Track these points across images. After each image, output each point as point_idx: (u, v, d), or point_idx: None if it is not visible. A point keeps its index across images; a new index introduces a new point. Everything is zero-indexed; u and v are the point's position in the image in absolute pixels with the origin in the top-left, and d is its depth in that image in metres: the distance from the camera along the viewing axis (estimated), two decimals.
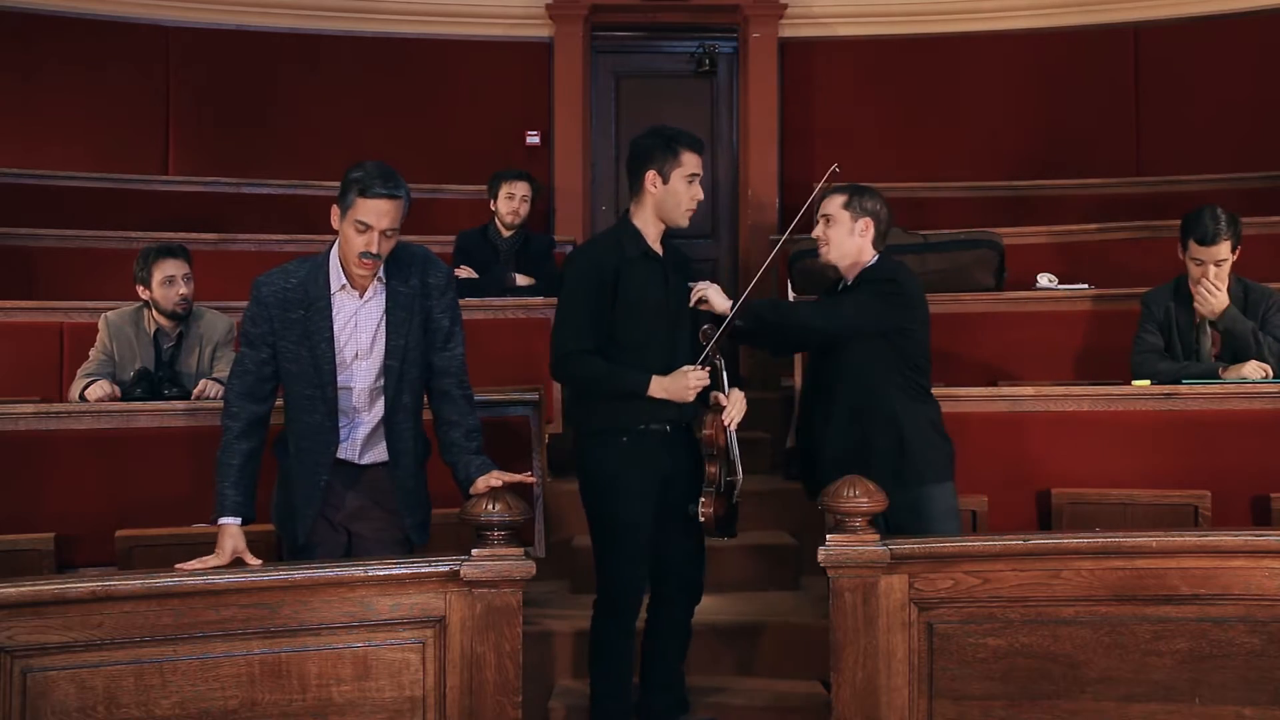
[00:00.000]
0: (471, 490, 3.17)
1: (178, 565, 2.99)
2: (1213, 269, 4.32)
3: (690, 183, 3.58)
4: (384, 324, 3.25)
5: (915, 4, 7.77)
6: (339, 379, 3.25)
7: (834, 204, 3.78)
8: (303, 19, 7.61)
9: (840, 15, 7.80)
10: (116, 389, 4.35)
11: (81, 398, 4.34)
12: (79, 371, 4.51)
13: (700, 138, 3.68)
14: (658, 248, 3.64)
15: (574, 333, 3.54)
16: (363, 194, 3.14)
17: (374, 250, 3.16)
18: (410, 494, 3.33)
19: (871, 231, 3.75)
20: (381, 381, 3.27)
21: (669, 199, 3.58)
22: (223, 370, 4.47)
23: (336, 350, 3.23)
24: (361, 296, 3.25)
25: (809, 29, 7.77)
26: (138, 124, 7.41)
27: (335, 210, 3.21)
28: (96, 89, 7.31)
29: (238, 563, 3.09)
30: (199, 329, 4.57)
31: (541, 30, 7.69)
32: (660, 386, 3.50)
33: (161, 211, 6.77)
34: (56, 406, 4.25)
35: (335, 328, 3.23)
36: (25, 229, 6.17)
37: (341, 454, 3.30)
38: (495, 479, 3.16)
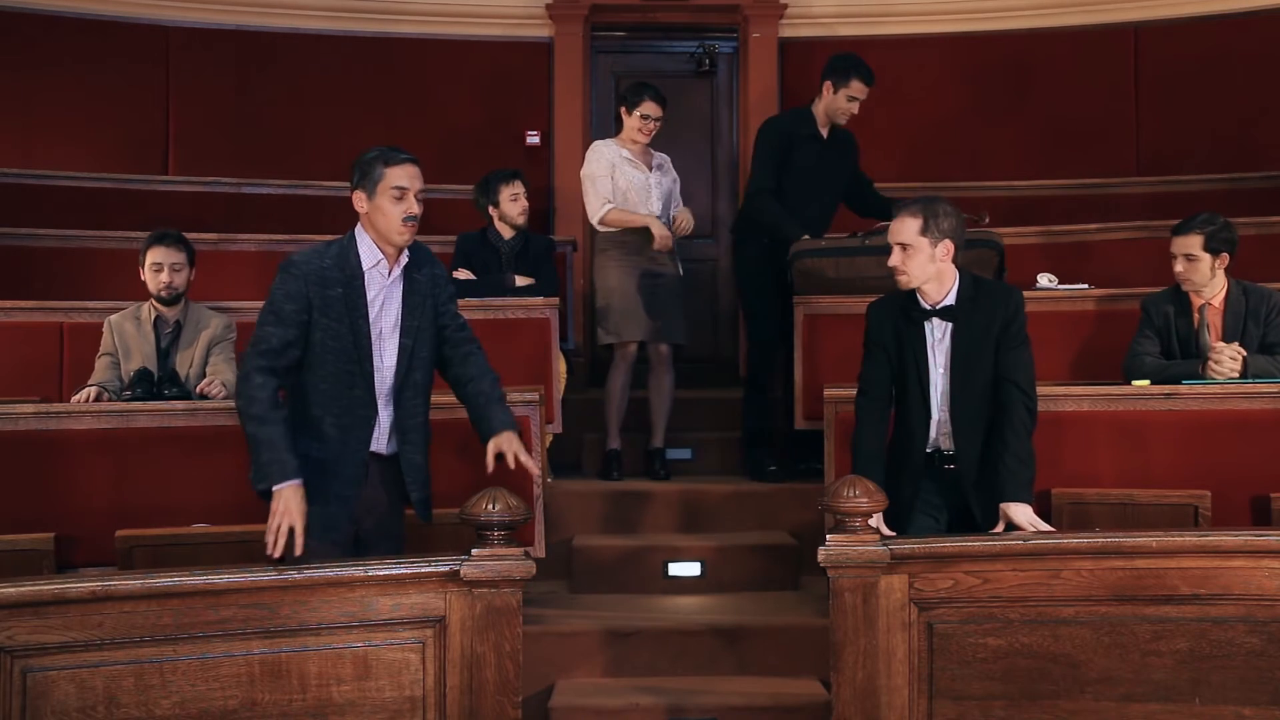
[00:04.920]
0: (491, 445, 3.31)
1: (276, 543, 3.10)
2: (1182, 260, 4.36)
3: None
4: (403, 306, 3.38)
5: (915, 4, 7.76)
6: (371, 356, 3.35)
7: (909, 230, 3.50)
8: (302, 19, 7.59)
9: (840, 15, 7.78)
10: (106, 396, 4.36)
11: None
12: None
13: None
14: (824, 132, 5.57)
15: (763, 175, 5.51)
16: (388, 164, 3.31)
17: (415, 212, 3.31)
18: (419, 470, 3.41)
19: (952, 253, 3.53)
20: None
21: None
22: (219, 367, 4.49)
23: (371, 324, 3.33)
24: (388, 276, 3.35)
25: (809, 29, 7.76)
26: (138, 124, 7.39)
27: (359, 194, 3.32)
28: (96, 89, 7.30)
29: (242, 564, 3.08)
30: (197, 326, 4.58)
31: (541, 30, 7.68)
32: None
33: (161, 211, 6.74)
34: (56, 406, 4.25)
35: (368, 303, 3.33)
36: (25, 229, 6.16)
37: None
38: (512, 450, 3.30)
